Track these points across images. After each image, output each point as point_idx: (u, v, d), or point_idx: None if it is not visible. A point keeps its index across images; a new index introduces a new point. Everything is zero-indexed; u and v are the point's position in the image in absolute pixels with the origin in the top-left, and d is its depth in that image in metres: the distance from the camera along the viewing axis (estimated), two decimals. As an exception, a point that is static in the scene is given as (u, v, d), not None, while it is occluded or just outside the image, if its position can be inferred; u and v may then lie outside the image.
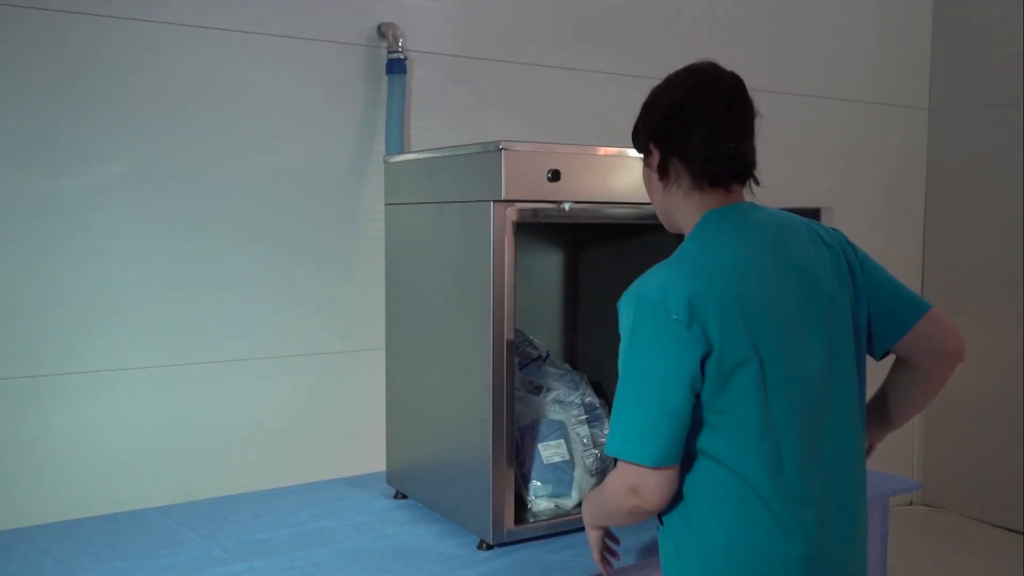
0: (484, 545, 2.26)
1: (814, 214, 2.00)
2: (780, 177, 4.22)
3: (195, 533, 2.38)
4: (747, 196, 1.71)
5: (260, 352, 2.90)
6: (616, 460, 1.56)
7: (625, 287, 1.61)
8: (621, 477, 1.56)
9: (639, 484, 1.52)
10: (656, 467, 1.50)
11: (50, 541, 2.30)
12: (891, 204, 4.71)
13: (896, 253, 4.76)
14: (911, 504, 4.87)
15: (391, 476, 2.73)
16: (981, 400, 4.60)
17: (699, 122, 1.63)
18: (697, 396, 1.51)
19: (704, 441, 1.54)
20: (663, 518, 1.64)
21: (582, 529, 2.39)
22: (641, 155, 1.73)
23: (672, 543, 1.63)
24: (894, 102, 4.65)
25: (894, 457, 4.78)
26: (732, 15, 3.97)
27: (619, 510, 1.59)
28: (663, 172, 1.66)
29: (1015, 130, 4.43)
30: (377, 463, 2.86)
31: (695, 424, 1.53)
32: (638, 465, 1.51)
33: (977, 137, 4.61)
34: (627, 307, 1.55)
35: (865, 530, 1.65)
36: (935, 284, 4.82)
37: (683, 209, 1.67)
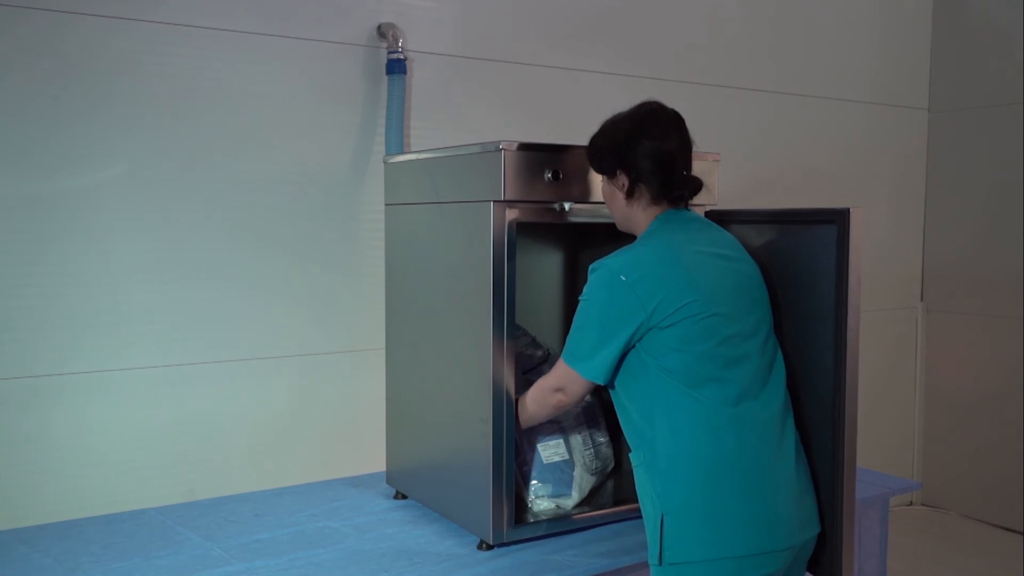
0: (484, 545, 2.26)
1: (843, 216, 2.03)
2: (780, 177, 4.23)
3: (195, 533, 2.38)
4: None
5: (260, 352, 2.90)
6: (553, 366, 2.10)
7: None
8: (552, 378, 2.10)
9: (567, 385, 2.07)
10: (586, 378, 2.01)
11: (50, 541, 2.30)
12: (891, 204, 4.71)
13: (896, 253, 4.76)
14: (911, 504, 4.87)
15: (391, 476, 2.73)
16: (981, 400, 4.60)
17: (660, 154, 2.01)
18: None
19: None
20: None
21: (582, 529, 2.39)
22: (601, 174, 2.11)
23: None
24: (894, 102, 4.66)
25: (894, 457, 4.78)
26: (732, 15, 3.97)
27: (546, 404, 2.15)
28: (631, 193, 2.04)
29: (1015, 130, 4.43)
30: (377, 463, 2.86)
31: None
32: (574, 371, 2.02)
33: (977, 137, 4.61)
34: (593, 273, 2.01)
35: None
36: (935, 284, 4.82)
37: (641, 218, 2.07)
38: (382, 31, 3.03)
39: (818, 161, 4.36)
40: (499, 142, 2.15)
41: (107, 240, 2.64)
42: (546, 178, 2.20)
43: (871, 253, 4.61)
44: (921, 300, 4.86)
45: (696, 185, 2.07)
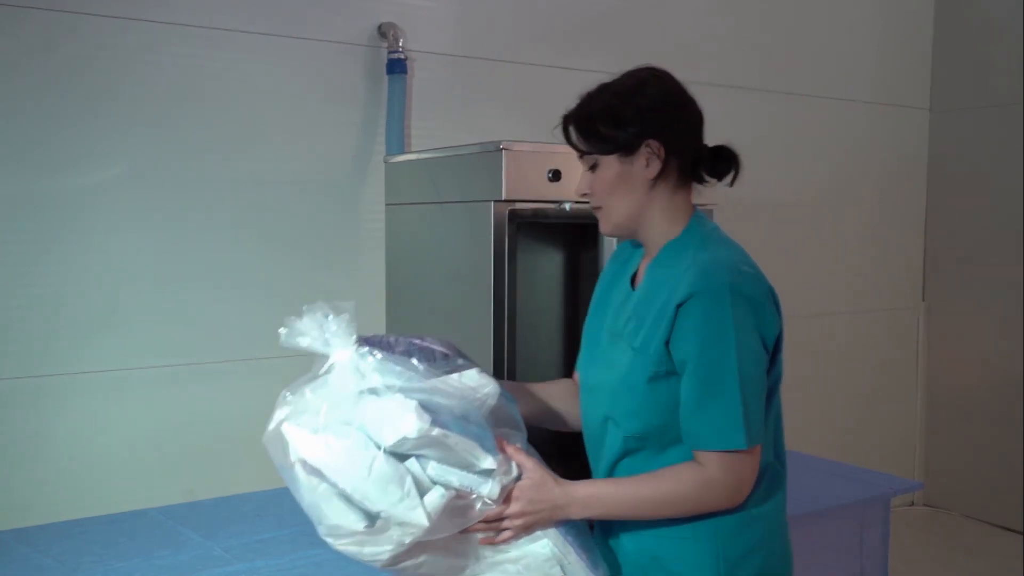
0: (484, 545, 2.25)
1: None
2: (780, 177, 4.23)
3: (195, 533, 2.37)
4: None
5: (260, 352, 2.89)
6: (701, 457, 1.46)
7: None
8: (725, 473, 1.45)
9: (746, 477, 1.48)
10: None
11: (50, 541, 2.29)
12: (892, 204, 4.70)
13: (896, 253, 4.75)
14: (912, 504, 4.87)
15: (391, 476, 2.72)
16: (982, 400, 4.60)
17: (695, 118, 1.62)
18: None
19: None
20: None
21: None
22: (610, 153, 1.58)
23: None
24: (895, 102, 4.65)
25: (895, 457, 4.78)
26: (733, 15, 3.97)
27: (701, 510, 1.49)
28: (661, 173, 1.56)
29: (1015, 130, 4.42)
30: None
31: None
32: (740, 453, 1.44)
33: (977, 137, 4.61)
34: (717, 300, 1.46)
35: None
36: (935, 284, 4.82)
37: (665, 208, 1.59)
38: (382, 31, 3.03)
39: (819, 161, 4.35)
40: (499, 142, 2.16)
41: (107, 240, 2.64)
42: (546, 178, 2.20)
43: (871, 252, 4.63)
44: (922, 300, 4.86)
45: (736, 159, 1.64)
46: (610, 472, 1.58)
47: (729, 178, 1.64)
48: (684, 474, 1.47)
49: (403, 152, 2.99)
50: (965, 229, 4.68)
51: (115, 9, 2.61)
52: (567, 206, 2.23)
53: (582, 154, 1.62)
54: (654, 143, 1.55)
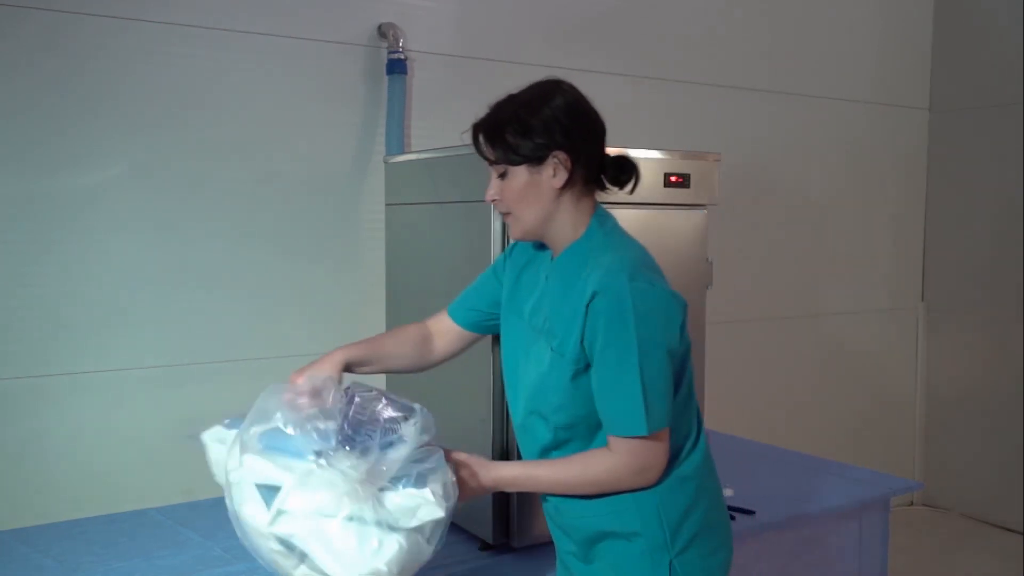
0: (484, 545, 2.26)
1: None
2: (781, 177, 4.23)
3: (195, 533, 2.38)
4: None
5: (260, 352, 2.90)
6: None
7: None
8: (630, 457, 1.60)
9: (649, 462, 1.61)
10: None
11: (50, 541, 2.30)
12: (891, 204, 4.70)
13: (897, 253, 4.76)
14: (912, 504, 4.87)
15: (391, 476, 2.72)
16: (982, 400, 4.60)
17: (599, 129, 1.69)
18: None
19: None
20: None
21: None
22: (519, 164, 1.65)
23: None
24: (895, 102, 4.65)
25: (895, 457, 4.78)
26: (733, 15, 3.97)
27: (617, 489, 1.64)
28: (569, 183, 1.65)
29: (1015, 130, 4.42)
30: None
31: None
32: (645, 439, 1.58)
33: (977, 137, 4.61)
34: (617, 298, 1.56)
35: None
36: (935, 284, 4.82)
37: (571, 214, 1.68)
38: (382, 31, 3.03)
39: (818, 161, 4.36)
40: (499, 142, 2.15)
41: (107, 240, 2.64)
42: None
43: (871, 252, 4.63)
44: (922, 300, 4.86)
45: (635, 167, 1.72)
46: (543, 456, 1.71)
47: (629, 187, 1.72)
48: (594, 458, 1.63)
49: (403, 152, 2.99)
50: (965, 229, 4.68)
51: (115, 9, 2.61)
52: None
53: (491, 163, 1.69)
54: (561, 154, 1.63)
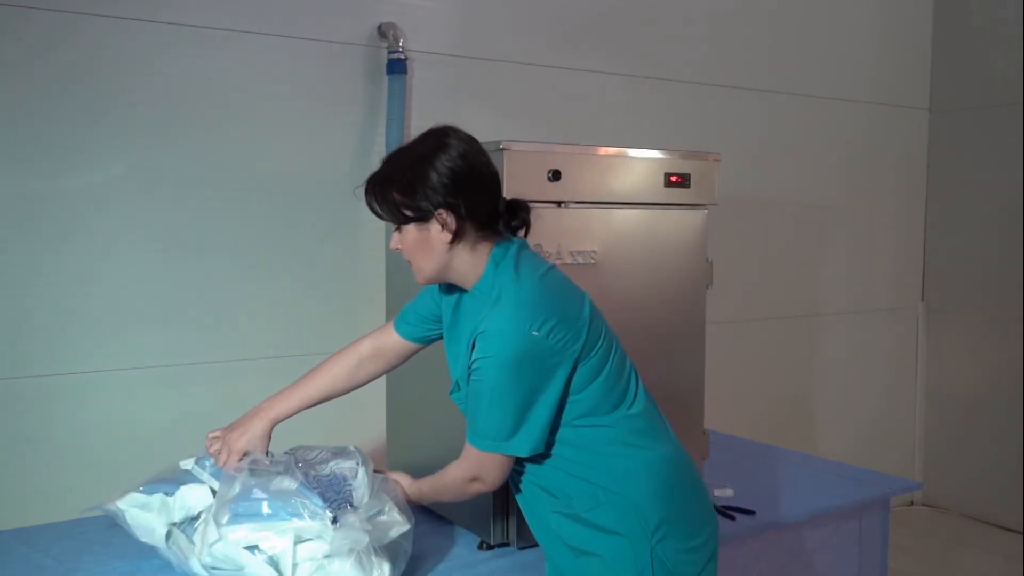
0: (484, 545, 2.25)
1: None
2: (781, 177, 4.23)
3: (195, 533, 2.37)
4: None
5: (260, 352, 2.90)
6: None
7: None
8: (468, 462, 1.79)
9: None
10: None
11: (50, 541, 2.29)
12: (891, 204, 4.70)
13: (896, 253, 4.76)
14: (912, 504, 4.87)
15: (391, 476, 2.72)
16: (981, 400, 4.60)
17: (489, 181, 1.76)
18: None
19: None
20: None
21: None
22: (406, 223, 1.73)
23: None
24: (895, 102, 4.65)
25: (895, 457, 4.78)
26: (733, 15, 3.97)
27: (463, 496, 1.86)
28: (458, 235, 1.72)
29: (1015, 130, 4.42)
30: (377, 463, 2.85)
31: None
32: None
33: (977, 137, 4.61)
34: (489, 340, 1.68)
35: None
36: (935, 284, 4.82)
37: (467, 260, 1.76)
38: (382, 31, 3.03)
39: (818, 161, 4.36)
40: (499, 142, 2.15)
41: (108, 240, 2.64)
42: (546, 178, 2.20)
43: (872, 252, 4.63)
44: (922, 300, 4.86)
45: (526, 210, 1.80)
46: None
47: (521, 232, 1.81)
48: (453, 467, 1.83)
49: (403, 152, 2.99)
50: (965, 229, 4.68)
51: (116, 9, 2.62)
52: (567, 206, 2.23)
53: (383, 219, 1.78)
54: (444, 213, 1.70)
